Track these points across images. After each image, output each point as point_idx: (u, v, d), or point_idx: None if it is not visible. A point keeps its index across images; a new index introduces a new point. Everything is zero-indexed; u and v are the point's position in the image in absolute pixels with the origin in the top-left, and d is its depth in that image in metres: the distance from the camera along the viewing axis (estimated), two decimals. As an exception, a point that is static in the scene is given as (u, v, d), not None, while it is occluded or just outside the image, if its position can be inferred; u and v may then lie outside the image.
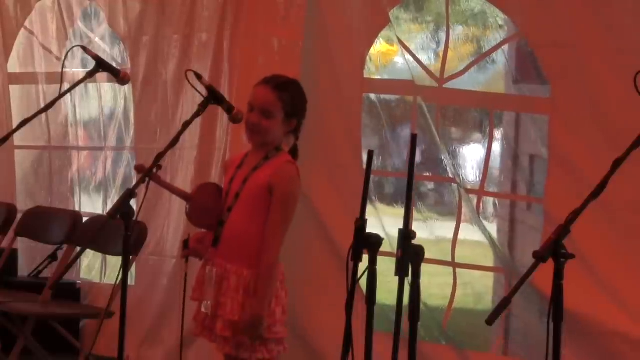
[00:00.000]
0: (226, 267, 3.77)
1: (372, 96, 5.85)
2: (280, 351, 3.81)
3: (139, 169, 3.70)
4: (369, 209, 5.66)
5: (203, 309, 3.83)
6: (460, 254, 5.64)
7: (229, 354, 3.79)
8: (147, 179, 3.64)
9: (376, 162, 5.92)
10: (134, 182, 6.50)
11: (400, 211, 5.72)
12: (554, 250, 2.83)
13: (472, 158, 5.87)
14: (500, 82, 6.03)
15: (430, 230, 5.73)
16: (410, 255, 3.01)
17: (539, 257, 2.83)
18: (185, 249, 3.86)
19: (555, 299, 2.87)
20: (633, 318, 4.99)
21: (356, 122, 5.76)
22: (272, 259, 3.72)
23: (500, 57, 5.66)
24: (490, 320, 2.80)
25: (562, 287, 2.87)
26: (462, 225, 5.60)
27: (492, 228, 5.98)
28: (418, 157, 5.79)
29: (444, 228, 5.76)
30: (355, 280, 3.08)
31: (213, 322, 3.81)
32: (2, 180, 7.01)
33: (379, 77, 5.92)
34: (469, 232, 5.59)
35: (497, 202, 5.81)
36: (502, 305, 2.80)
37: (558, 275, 2.86)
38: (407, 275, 3.01)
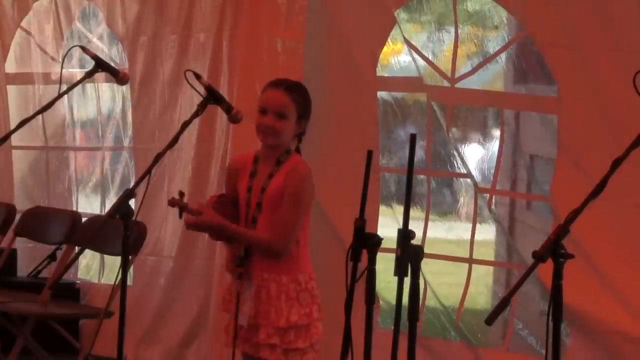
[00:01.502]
0: (263, 277, 3.79)
1: (385, 95, 5.87)
2: (318, 351, 3.84)
3: (171, 202, 3.75)
4: (385, 209, 5.72)
5: (242, 322, 3.79)
6: (463, 253, 5.67)
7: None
8: (181, 211, 3.77)
9: (393, 160, 5.94)
10: (132, 182, 6.56)
11: (416, 212, 5.73)
12: (554, 250, 2.83)
13: (480, 157, 5.89)
14: (505, 81, 6.04)
15: (447, 229, 5.77)
16: (409, 255, 3.01)
17: (538, 257, 2.83)
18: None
19: (554, 299, 2.87)
20: (636, 316, 5.01)
21: (372, 121, 5.76)
22: (282, 246, 3.75)
23: (506, 57, 5.68)
24: (489, 320, 2.80)
25: (562, 287, 2.87)
26: (466, 223, 5.65)
27: (493, 228, 6.00)
28: (432, 156, 5.81)
29: (453, 228, 5.80)
30: (354, 280, 3.08)
31: (250, 333, 3.80)
32: (0, 181, 7.01)
33: (387, 75, 5.92)
34: (477, 231, 5.63)
35: (496, 202, 5.83)
36: (502, 305, 2.80)
37: (557, 275, 2.86)
38: (407, 275, 3.01)
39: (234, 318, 3.80)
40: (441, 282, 5.90)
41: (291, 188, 3.75)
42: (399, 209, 5.78)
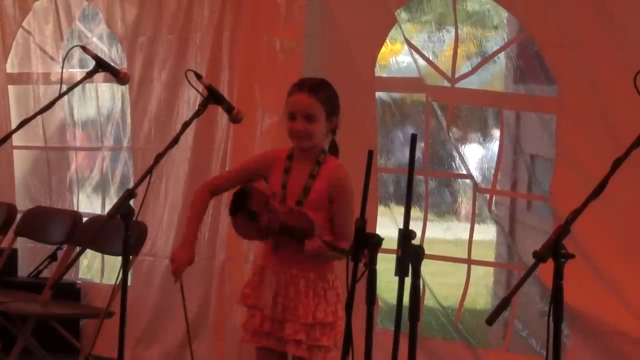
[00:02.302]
0: (291, 272, 3.82)
1: (383, 95, 5.86)
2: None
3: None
4: (383, 209, 5.72)
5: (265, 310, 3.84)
6: (463, 253, 5.67)
7: (301, 356, 3.81)
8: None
9: (391, 160, 5.93)
10: (132, 181, 6.57)
11: (414, 212, 5.74)
12: (554, 250, 2.83)
13: (480, 157, 5.89)
14: (504, 81, 6.04)
15: (445, 229, 5.76)
16: (410, 255, 3.01)
17: (539, 257, 2.83)
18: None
19: (555, 299, 2.87)
20: (636, 316, 5.01)
21: (371, 121, 5.76)
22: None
23: (505, 57, 5.68)
24: (490, 320, 2.80)
25: (562, 287, 2.88)
26: (466, 223, 5.64)
27: (492, 228, 6.00)
28: (432, 156, 5.80)
29: (452, 228, 5.79)
30: (355, 280, 3.08)
31: (275, 327, 3.83)
32: (1, 181, 7.01)
33: (386, 76, 5.92)
34: (476, 231, 5.63)
35: (497, 202, 5.83)
36: (502, 306, 2.80)
37: (558, 275, 2.86)
38: (408, 275, 3.01)
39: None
40: (441, 283, 5.90)
41: (340, 195, 3.80)
42: (397, 209, 5.79)
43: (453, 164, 5.72)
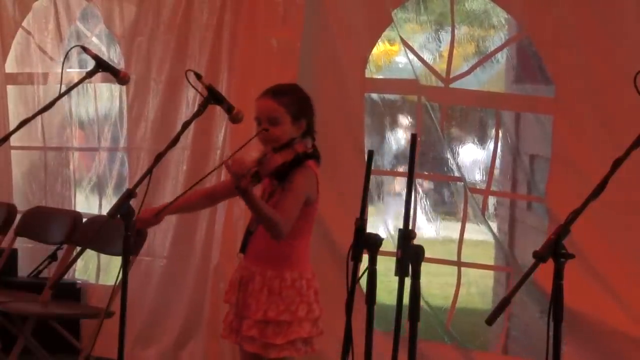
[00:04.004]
0: (251, 269, 3.87)
1: (375, 96, 5.86)
2: (308, 351, 3.87)
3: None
4: (372, 209, 5.72)
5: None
6: (462, 253, 5.65)
7: (256, 353, 3.84)
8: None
9: (379, 161, 5.93)
10: (127, 182, 6.56)
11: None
12: (554, 250, 2.83)
13: (474, 158, 5.89)
14: (502, 81, 6.03)
15: (436, 230, 5.75)
16: (410, 255, 3.00)
17: (539, 257, 2.83)
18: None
19: (555, 299, 2.87)
20: (633, 318, 5.01)
21: (359, 122, 5.76)
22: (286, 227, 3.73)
23: (503, 57, 5.68)
24: (490, 320, 2.80)
25: (562, 286, 2.88)
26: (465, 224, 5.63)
27: (492, 228, 6.00)
28: (424, 157, 5.80)
29: (448, 228, 5.78)
30: (355, 280, 3.08)
31: (239, 324, 3.87)
32: (0, 181, 7.01)
33: (380, 77, 5.91)
34: (470, 232, 5.61)
35: (497, 202, 5.82)
36: (502, 306, 2.80)
37: (558, 275, 2.87)
38: (407, 275, 3.01)
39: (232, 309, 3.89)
40: (437, 283, 5.89)
41: (290, 177, 3.78)
42: (385, 208, 5.78)
43: (445, 166, 5.71)
